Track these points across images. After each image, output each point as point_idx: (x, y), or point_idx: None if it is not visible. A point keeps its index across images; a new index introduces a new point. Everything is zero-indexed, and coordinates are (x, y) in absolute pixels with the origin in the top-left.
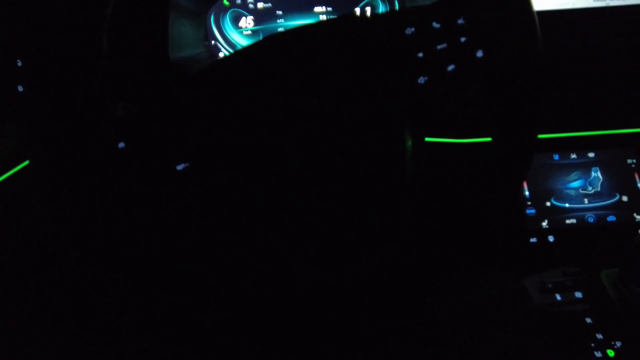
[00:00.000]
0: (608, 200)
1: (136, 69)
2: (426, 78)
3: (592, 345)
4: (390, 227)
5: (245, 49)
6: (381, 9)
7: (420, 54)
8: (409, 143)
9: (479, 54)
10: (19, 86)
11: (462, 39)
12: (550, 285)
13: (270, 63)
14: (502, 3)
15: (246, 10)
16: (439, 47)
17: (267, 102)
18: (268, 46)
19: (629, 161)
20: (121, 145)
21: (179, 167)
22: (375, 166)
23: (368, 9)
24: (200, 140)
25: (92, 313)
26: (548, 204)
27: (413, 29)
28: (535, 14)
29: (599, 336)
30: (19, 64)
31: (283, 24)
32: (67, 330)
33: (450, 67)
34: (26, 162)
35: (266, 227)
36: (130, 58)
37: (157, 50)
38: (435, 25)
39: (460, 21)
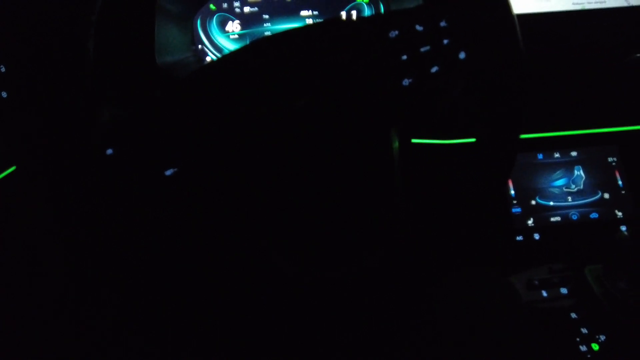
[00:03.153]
0: (591, 197)
1: (123, 74)
2: (410, 80)
3: (578, 339)
4: (378, 227)
5: (232, 53)
6: (367, 12)
7: (404, 57)
8: (396, 144)
9: (462, 55)
10: (2, 92)
11: (445, 41)
12: (536, 282)
13: (256, 66)
14: (482, 6)
15: (233, 14)
16: (422, 49)
17: (254, 106)
18: (255, 50)
19: (610, 159)
20: (109, 151)
21: (168, 173)
22: (362, 167)
23: (354, 13)
24: (188, 145)
25: (85, 314)
26: (533, 202)
27: (397, 32)
28: (515, 15)
29: (584, 330)
30: (3, 69)
31: (270, 27)
32: (65, 331)
33: (434, 69)
34: (13, 168)
35: (254, 227)
36: (117, 63)
37: (143, 55)
38: (419, 28)
39: (442, 24)
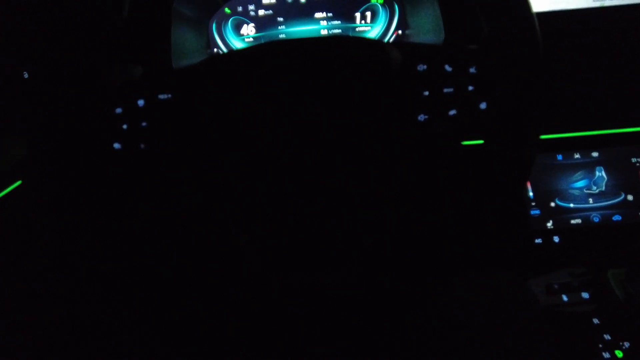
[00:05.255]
0: (613, 199)
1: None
2: (426, 117)
3: (600, 346)
4: (366, 235)
5: (264, 45)
6: (381, 14)
7: (426, 93)
8: (396, 164)
9: (483, 105)
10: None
11: (470, 88)
12: (556, 286)
13: (278, 65)
14: (518, 63)
15: (247, 17)
16: (445, 89)
17: (259, 104)
18: (285, 48)
19: (634, 160)
20: (118, 110)
21: (165, 143)
22: (355, 180)
23: (368, 14)
24: (190, 126)
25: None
26: (552, 204)
27: (425, 67)
28: (545, 82)
29: (607, 337)
30: (26, 76)
31: (284, 30)
32: (64, 331)
33: (452, 112)
34: (19, 182)
35: (236, 224)
36: (133, 67)
37: (160, 58)
38: (448, 68)
39: (472, 70)
